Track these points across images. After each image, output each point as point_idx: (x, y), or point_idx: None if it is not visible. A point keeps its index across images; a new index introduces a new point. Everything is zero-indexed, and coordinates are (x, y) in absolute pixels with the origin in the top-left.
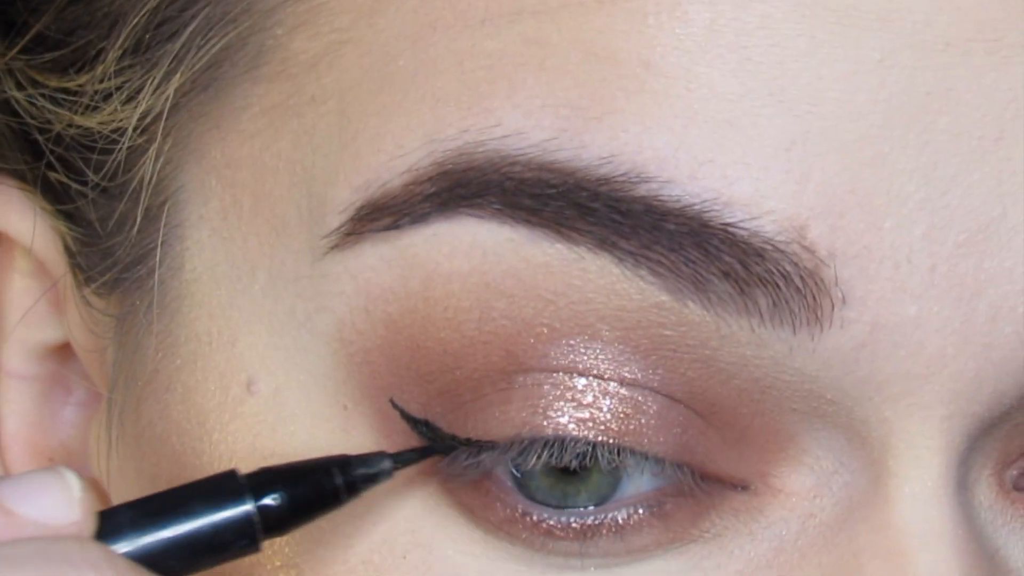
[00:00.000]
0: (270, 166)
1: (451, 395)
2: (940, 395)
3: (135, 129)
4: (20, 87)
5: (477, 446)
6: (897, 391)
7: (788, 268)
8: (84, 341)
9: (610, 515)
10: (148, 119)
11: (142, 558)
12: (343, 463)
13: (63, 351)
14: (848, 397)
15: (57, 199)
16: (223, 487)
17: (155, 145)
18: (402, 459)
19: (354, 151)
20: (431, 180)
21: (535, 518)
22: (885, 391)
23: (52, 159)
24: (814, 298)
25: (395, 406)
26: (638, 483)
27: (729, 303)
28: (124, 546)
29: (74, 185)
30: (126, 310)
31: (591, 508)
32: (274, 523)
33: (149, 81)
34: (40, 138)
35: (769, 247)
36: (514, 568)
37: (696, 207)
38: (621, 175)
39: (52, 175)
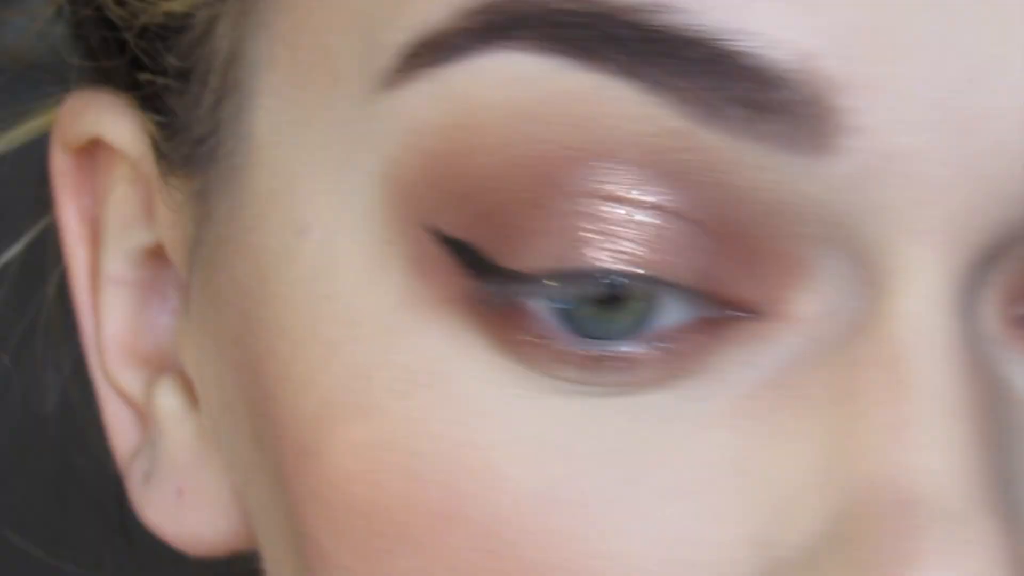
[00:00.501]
0: (330, 21)
1: (487, 220)
2: (940, 221)
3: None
4: None
5: (511, 275)
6: (899, 216)
7: (798, 96)
8: (170, 235)
9: (623, 347)
10: None
11: None
12: None
13: (158, 256)
14: (853, 220)
15: (144, 97)
16: None
17: (225, 17)
18: None
19: None
20: (476, 16)
21: (557, 346)
22: (888, 215)
23: (138, 53)
24: (822, 126)
25: (437, 232)
26: (671, 314)
27: (741, 128)
28: None
29: (158, 79)
30: (200, 186)
31: (611, 340)
32: None
33: None
34: (128, 36)
35: (780, 76)
36: (525, 394)
37: (712, 36)
38: (646, 5)
39: (140, 75)
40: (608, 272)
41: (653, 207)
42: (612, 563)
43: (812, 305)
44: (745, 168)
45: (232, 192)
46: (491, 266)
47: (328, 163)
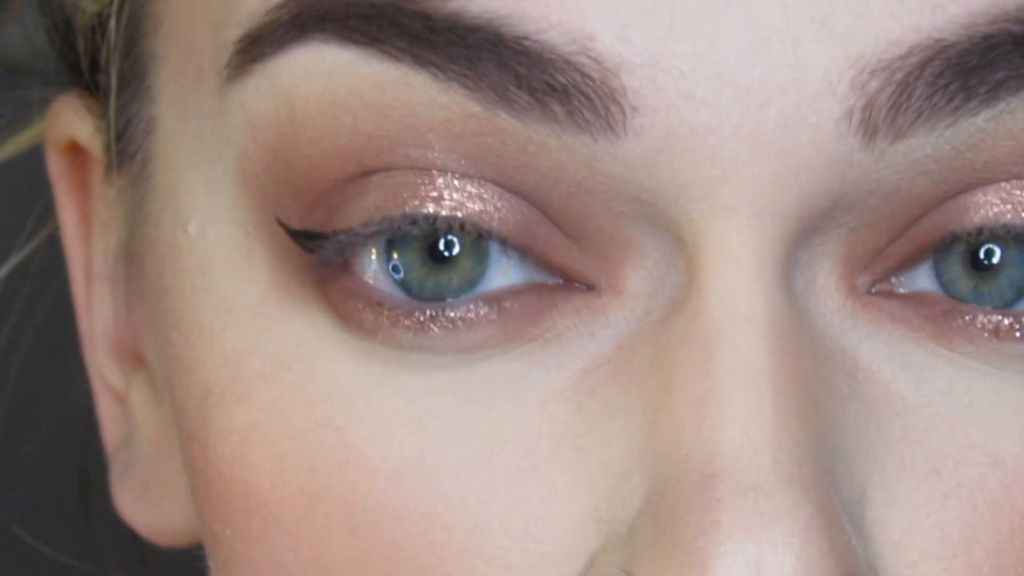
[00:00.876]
0: (193, 18)
1: (322, 204)
2: (741, 196)
3: None
4: None
5: (338, 236)
6: (699, 193)
7: (577, 78)
8: (115, 234)
9: (449, 309)
10: None
11: None
12: None
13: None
14: (659, 198)
15: (94, 97)
16: None
17: (125, 15)
18: None
19: None
20: (286, 9)
21: (385, 308)
22: (687, 193)
23: (82, 53)
24: (606, 107)
25: (280, 223)
26: (504, 273)
27: (531, 112)
28: None
29: (97, 78)
30: (124, 183)
31: (456, 299)
32: None
33: None
34: (79, 37)
35: (558, 58)
36: (375, 370)
37: (494, 22)
38: None
39: (91, 76)
40: (431, 217)
41: (467, 175)
42: (464, 538)
43: (641, 280)
44: (547, 151)
45: (141, 188)
46: (321, 236)
47: (201, 156)
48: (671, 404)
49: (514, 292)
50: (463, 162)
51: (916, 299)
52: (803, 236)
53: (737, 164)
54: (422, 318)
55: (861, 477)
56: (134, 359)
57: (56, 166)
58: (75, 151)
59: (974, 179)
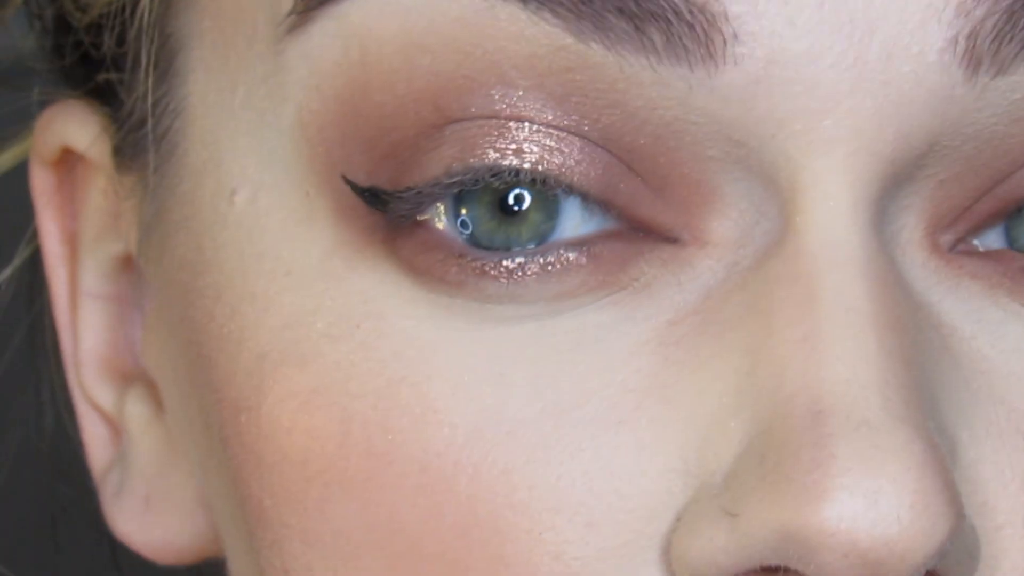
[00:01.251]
0: None
1: (393, 158)
2: (840, 131)
3: None
4: None
5: (412, 191)
6: (798, 128)
7: (678, 2)
8: (129, 230)
9: (539, 255)
10: None
11: None
12: None
13: (130, 266)
14: (753, 136)
15: (100, 93)
16: None
17: None
18: None
19: None
20: None
21: (469, 259)
22: (786, 128)
23: (88, 48)
24: (706, 33)
25: (345, 180)
26: (575, 226)
27: (627, 41)
28: None
29: (107, 72)
30: (143, 171)
31: (525, 248)
32: None
33: None
34: (81, 33)
35: None
36: (455, 325)
37: None
38: None
39: (94, 72)
40: (512, 170)
41: (549, 124)
42: (544, 495)
43: (727, 230)
44: (637, 86)
45: (170, 171)
46: (392, 194)
47: (250, 124)
48: (772, 345)
49: (602, 238)
50: (547, 104)
51: (994, 256)
52: (895, 183)
53: (838, 96)
54: (511, 265)
55: (952, 433)
56: (125, 377)
57: (41, 183)
58: (65, 164)
59: None
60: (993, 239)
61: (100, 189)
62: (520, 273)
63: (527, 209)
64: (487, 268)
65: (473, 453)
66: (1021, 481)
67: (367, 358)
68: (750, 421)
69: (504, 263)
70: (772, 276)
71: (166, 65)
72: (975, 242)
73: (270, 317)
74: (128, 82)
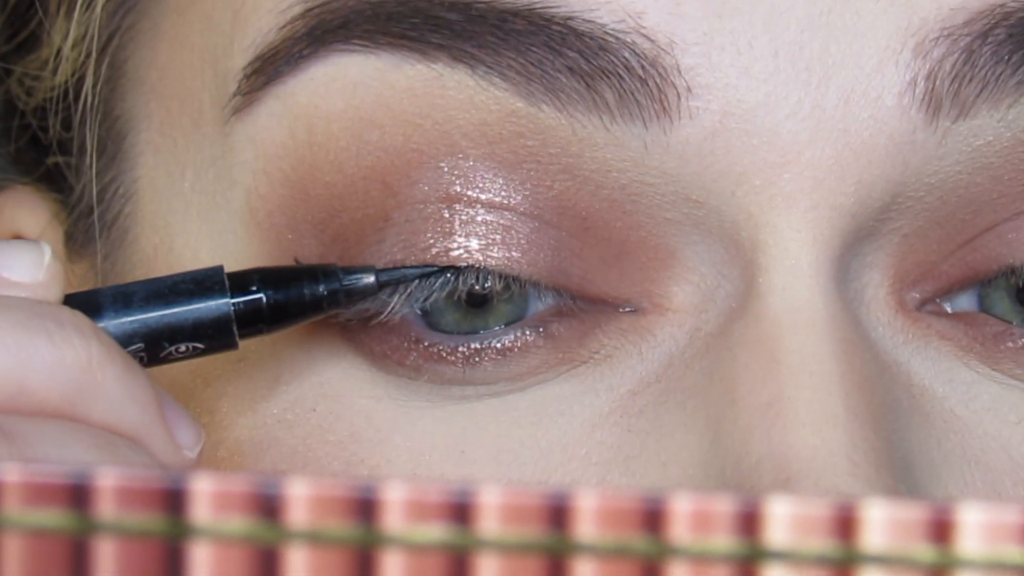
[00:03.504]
0: (187, 62)
1: (341, 241)
2: (800, 183)
3: (77, 65)
4: (8, 76)
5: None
6: (757, 183)
7: (629, 57)
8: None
9: (496, 339)
10: (82, 54)
11: (118, 340)
12: (329, 272)
13: None
14: (712, 195)
15: (50, 179)
16: (206, 281)
17: (98, 79)
18: (388, 276)
19: (242, 17)
20: (301, 20)
21: (427, 344)
22: (746, 184)
23: (37, 132)
24: (659, 88)
25: (297, 263)
26: (537, 308)
27: (579, 101)
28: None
29: (56, 157)
30: (99, 258)
31: (481, 333)
32: (254, 322)
33: (78, 9)
34: (29, 117)
35: (608, 37)
36: (415, 405)
37: (537, 5)
38: None
39: (44, 157)
40: (456, 270)
41: (495, 205)
42: None
43: (687, 296)
44: (591, 148)
45: (122, 257)
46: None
47: (200, 207)
48: (735, 413)
49: (555, 316)
50: (498, 173)
51: (966, 318)
52: (856, 238)
53: (798, 146)
54: (468, 352)
55: (926, 494)
56: None
57: None
58: None
59: None
60: (965, 303)
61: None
62: (478, 358)
63: (493, 299)
64: (444, 354)
65: None
66: None
67: (324, 441)
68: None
69: (461, 348)
70: (735, 340)
71: (114, 149)
72: (945, 304)
73: (223, 404)
74: (76, 167)
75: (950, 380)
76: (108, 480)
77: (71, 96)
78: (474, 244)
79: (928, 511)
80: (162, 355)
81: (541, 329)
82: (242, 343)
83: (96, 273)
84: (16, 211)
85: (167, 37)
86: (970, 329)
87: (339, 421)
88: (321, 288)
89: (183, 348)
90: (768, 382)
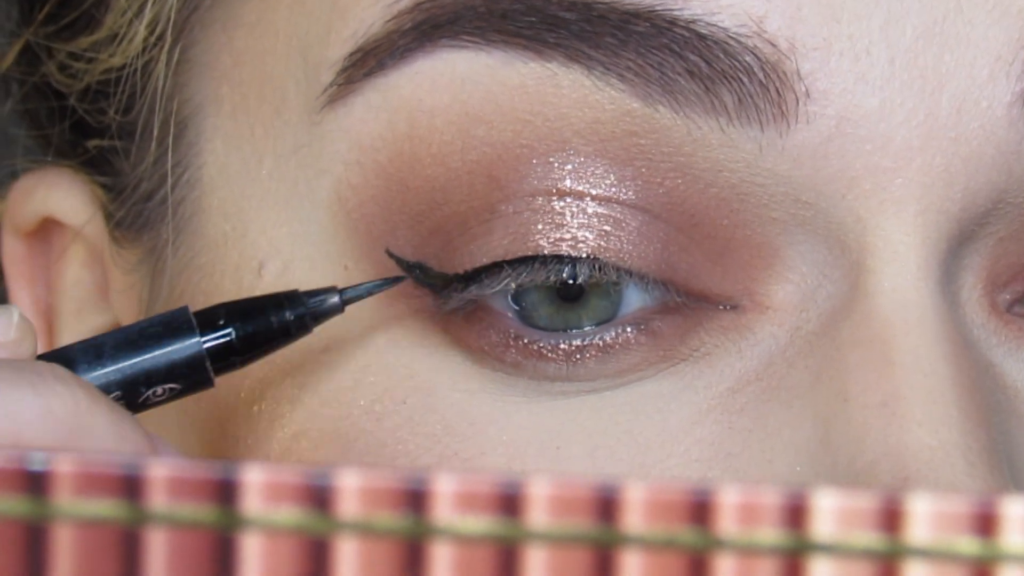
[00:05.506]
0: (270, 48)
1: (441, 233)
2: (911, 189)
3: (144, 48)
4: (49, 59)
5: (464, 279)
6: (868, 187)
7: (750, 62)
8: (123, 301)
9: (598, 336)
10: (154, 35)
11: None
12: (292, 298)
13: None
14: (822, 197)
15: (92, 162)
16: (173, 323)
17: (163, 64)
18: (353, 292)
19: (343, 6)
20: (410, 15)
21: (526, 341)
22: (856, 188)
23: (84, 115)
24: (778, 92)
25: (390, 255)
26: (635, 304)
27: (697, 103)
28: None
29: (104, 141)
30: (152, 243)
31: (585, 330)
32: (225, 357)
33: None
34: (72, 100)
35: (731, 41)
36: (512, 399)
37: (659, 7)
38: None
39: (86, 140)
40: (558, 259)
41: (605, 199)
42: None
43: (789, 295)
44: (705, 148)
45: (184, 243)
46: (446, 278)
47: (280, 195)
48: (848, 411)
49: (659, 312)
50: (609, 169)
51: None
52: (959, 242)
53: (910, 153)
54: (568, 349)
55: None
56: None
57: (13, 252)
58: (39, 233)
59: None
60: None
61: (80, 261)
62: (579, 356)
63: (588, 294)
64: (545, 351)
65: None
66: None
67: (415, 433)
68: None
69: (562, 346)
70: (842, 340)
71: (178, 134)
72: None
73: (306, 395)
74: (130, 151)
75: None
76: (160, 471)
77: (137, 77)
78: (586, 235)
79: (973, 504)
80: (140, 400)
81: (642, 326)
82: (219, 378)
83: (156, 258)
84: (50, 192)
85: (246, 23)
86: None
87: (432, 413)
88: (287, 314)
89: (160, 391)
90: (881, 382)
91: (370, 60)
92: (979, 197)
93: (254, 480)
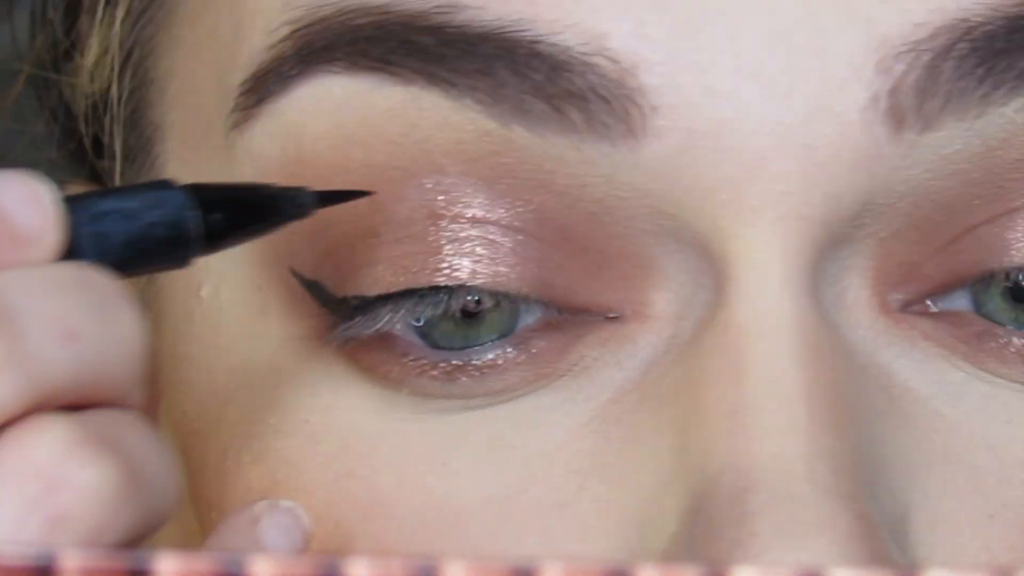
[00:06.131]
0: (200, 74)
1: (333, 255)
2: (767, 197)
3: (104, 70)
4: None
5: (352, 309)
6: (724, 197)
7: (594, 79)
8: None
9: (476, 356)
10: (108, 56)
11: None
12: (269, 193)
13: None
14: (684, 208)
15: (99, 181)
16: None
17: (129, 88)
18: (325, 197)
19: (241, 34)
20: (290, 41)
21: (410, 359)
22: (713, 198)
23: (84, 135)
24: (624, 109)
25: (293, 273)
26: (528, 321)
27: (548, 123)
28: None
29: (99, 160)
30: None
31: (464, 350)
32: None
33: (98, 24)
34: (80, 121)
35: (574, 60)
36: (399, 416)
37: (506, 28)
38: (440, 7)
39: (94, 160)
40: (436, 290)
41: (479, 220)
42: None
43: (667, 303)
44: (564, 166)
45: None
46: (338, 299)
47: None
48: (701, 420)
49: (539, 330)
50: (479, 188)
51: (950, 318)
52: (831, 245)
53: (762, 161)
54: (449, 368)
55: (902, 496)
56: None
57: None
58: None
59: (1007, 180)
60: (958, 300)
61: None
62: (458, 374)
63: (487, 310)
64: (425, 368)
65: (423, 541)
66: (982, 540)
67: (316, 453)
68: (684, 499)
69: (441, 364)
70: (704, 349)
71: (144, 157)
72: (928, 302)
73: (230, 413)
74: (113, 172)
75: (938, 380)
76: (72, 561)
77: (102, 105)
78: (464, 262)
79: None
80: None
81: (521, 346)
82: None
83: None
84: None
85: (183, 47)
86: (954, 329)
87: (330, 432)
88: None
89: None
90: (732, 390)
91: (260, 87)
92: (844, 201)
93: (167, 570)
